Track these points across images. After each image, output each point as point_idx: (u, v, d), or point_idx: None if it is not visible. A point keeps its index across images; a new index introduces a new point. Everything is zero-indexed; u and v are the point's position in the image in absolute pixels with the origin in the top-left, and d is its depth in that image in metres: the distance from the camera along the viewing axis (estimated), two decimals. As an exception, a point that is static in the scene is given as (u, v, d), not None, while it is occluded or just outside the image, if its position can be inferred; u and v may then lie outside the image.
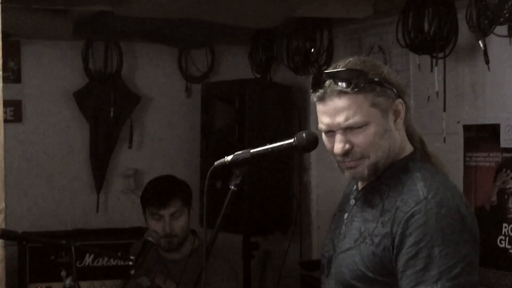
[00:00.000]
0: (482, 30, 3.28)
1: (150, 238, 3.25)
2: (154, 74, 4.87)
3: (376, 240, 1.98)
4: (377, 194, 2.06)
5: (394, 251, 1.95)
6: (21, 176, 4.50)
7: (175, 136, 4.90)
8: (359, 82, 1.98)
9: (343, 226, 2.14)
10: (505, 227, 3.66)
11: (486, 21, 3.24)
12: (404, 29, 3.77)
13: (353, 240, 2.06)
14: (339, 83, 1.98)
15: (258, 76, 4.91)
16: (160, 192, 3.48)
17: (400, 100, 2.06)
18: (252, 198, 4.35)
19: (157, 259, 3.48)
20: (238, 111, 4.41)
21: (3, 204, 2.08)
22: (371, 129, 2.01)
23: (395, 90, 2.05)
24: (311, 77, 4.86)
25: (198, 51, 4.90)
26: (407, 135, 2.13)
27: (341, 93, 1.98)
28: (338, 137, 2.01)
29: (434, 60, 3.74)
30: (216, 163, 2.15)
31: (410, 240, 1.93)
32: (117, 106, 4.68)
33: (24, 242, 2.70)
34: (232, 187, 2.14)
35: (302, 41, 4.55)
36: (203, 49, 4.90)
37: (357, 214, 2.11)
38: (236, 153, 2.16)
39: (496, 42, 3.46)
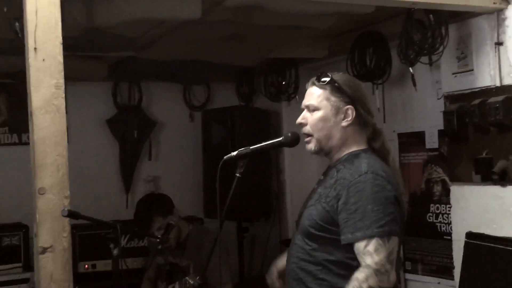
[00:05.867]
0: (410, 61, 3.34)
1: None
2: (165, 105, 4.84)
3: (328, 200, 2.09)
4: (335, 170, 2.16)
5: (339, 207, 2.04)
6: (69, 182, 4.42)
7: (182, 151, 4.86)
8: (324, 81, 2.17)
9: (313, 193, 2.24)
10: (432, 206, 3.71)
11: (413, 54, 3.31)
12: (352, 64, 3.84)
13: (315, 200, 2.16)
14: (315, 78, 2.20)
15: (243, 103, 4.90)
16: (139, 219, 3.32)
17: (350, 106, 2.14)
18: (242, 193, 4.30)
19: None
20: (230, 130, 4.40)
21: (68, 192, 2.06)
22: (319, 114, 2.15)
23: (349, 99, 2.14)
24: (283, 103, 4.91)
25: (198, 86, 4.88)
26: (372, 137, 2.21)
27: (313, 84, 2.20)
28: (302, 113, 2.21)
29: (375, 86, 3.81)
30: (225, 157, 2.17)
31: (351, 201, 2.03)
32: (139, 130, 4.65)
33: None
34: (238, 174, 2.17)
35: (276, 77, 4.57)
36: (201, 85, 4.89)
37: (321, 184, 2.21)
38: (239, 149, 2.18)
39: (421, 69, 3.52)
